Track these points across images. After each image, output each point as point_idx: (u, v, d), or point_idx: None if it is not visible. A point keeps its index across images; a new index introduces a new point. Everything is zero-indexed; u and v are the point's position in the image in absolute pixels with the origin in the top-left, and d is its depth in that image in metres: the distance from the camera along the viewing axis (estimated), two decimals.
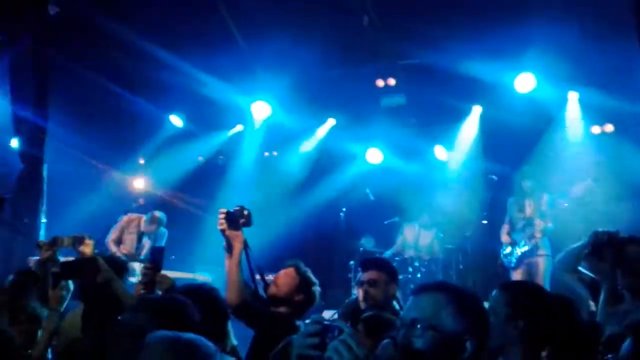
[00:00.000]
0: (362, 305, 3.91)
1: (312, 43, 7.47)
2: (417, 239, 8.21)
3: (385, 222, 8.94)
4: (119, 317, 2.44)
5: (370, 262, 4.14)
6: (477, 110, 8.74)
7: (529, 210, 7.29)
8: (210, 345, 1.98)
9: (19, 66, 6.88)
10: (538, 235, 7.13)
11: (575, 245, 3.85)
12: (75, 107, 7.19)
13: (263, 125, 9.40)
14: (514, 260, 7.25)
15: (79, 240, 3.97)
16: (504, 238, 7.40)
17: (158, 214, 7.23)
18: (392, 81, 8.62)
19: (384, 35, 7.76)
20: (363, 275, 4.00)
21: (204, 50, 7.50)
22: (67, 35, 6.85)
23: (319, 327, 1.64)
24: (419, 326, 1.73)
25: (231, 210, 3.79)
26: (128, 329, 2.27)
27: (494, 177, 7.49)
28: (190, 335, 2.00)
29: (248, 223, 3.83)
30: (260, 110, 9.11)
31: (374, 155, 9.42)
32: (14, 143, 7.06)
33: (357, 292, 5.37)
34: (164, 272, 3.48)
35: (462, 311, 1.76)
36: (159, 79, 7.38)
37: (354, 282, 6.56)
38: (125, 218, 7.34)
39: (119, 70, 7.26)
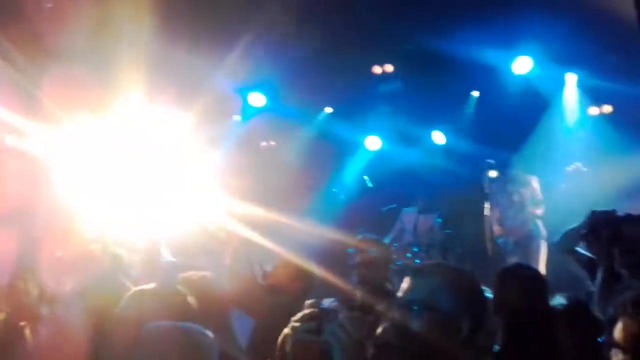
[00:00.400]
0: (358, 288, 3.91)
1: (307, 31, 7.42)
2: (415, 224, 8.20)
3: (384, 209, 8.94)
4: (116, 310, 2.45)
5: (365, 244, 4.15)
6: (475, 94, 8.72)
7: (518, 197, 7.26)
8: (208, 334, 1.98)
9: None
10: (530, 221, 7.12)
11: (572, 226, 3.87)
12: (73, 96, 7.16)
13: (259, 115, 9.38)
14: (509, 246, 7.24)
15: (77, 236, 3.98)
16: (496, 229, 7.37)
17: None
18: (389, 67, 8.58)
19: (380, 21, 7.71)
20: (358, 258, 4.02)
21: (198, 40, 7.46)
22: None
23: (316, 311, 1.65)
24: (415, 308, 1.73)
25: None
26: (124, 320, 2.27)
27: (491, 161, 7.48)
28: (187, 325, 2.01)
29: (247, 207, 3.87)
30: (256, 100, 9.09)
31: (372, 142, 9.41)
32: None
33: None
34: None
35: (458, 292, 1.76)
36: (152, 68, 7.32)
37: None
38: None
39: (113, 58, 7.19)
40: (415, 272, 1.84)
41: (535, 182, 7.26)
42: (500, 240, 7.37)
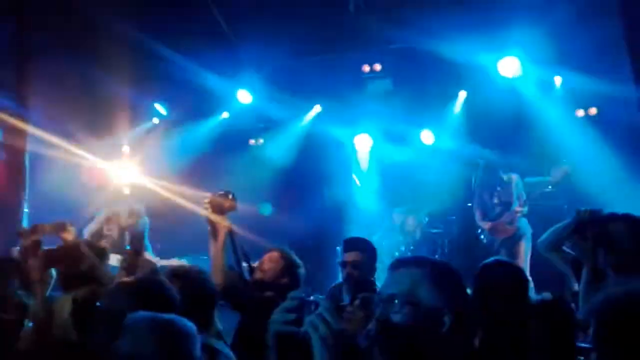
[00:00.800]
0: (344, 286, 3.93)
1: (297, 29, 7.42)
2: (403, 223, 8.23)
3: (373, 208, 8.96)
4: (98, 303, 2.44)
5: (352, 243, 4.16)
6: (462, 94, 8.75)
7: (503, 197, 7.29)
8: (190, 325, 1.98)
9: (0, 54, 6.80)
10: (516, 220, 7.15)
11: (559, 225, 3.89)
12: (56, 93, 7.10)
13: (248, 113, 9.37)
14: (496, 246, 7.26)
15: (60, 228, 3.94)
16: (484, 225, 7.39)
17: (136, 206, 7.12)
18: (378, 66, 8.60)
19: (369, 20, 7.72)
20: (346, 256, 4.02)
21: (187, 36, 7.44)
22: (49, 19, 6.73)
23: (296, 303, 1.65)
24: (396, 301, 1.73)
25: (216, 195, 3.81)
26: (107, 313, 2.26)
27: (479, 160, 7.52)
28: (169, 316, 2.00)
29: (233, 208, 3.85)
30: (245, 98, 9.09)
31: (362, 141, 9.42)
32: None
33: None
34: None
35: (439, 285, 1.76)
36: (141, 65, 7.30)
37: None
38: (104, 216, 7.19)
39: (101, 56, 7.16)
40: (396, 266, 1.84)
41: (519, 181, 7.30)
42: (486, 240, 7.40)
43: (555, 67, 7.86)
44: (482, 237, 7.42)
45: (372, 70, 8.66)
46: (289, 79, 8.65)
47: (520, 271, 2.94)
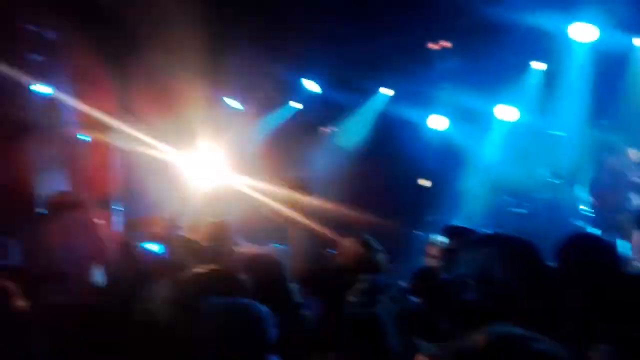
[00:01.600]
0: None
1: (359, 10, 7.35)
2: None
3: (455, 190, 8.80)
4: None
5: (459, 231, 4.04)
6: (538, 66, 8.38)
7: (615, 165, 6.98)
8: (263, 309, 2.05)
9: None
10: (628, 190, 6.81)
11: None
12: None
13: (319, 102, 9.41)
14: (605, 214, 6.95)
15: (153, 222, 4.16)
16: (594, 200, 7.09)
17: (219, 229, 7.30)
18: (446, 44, 8.39)
19: None
20: (451, 244, 3.88)
21: (255, 30, 7.54)
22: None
23: (368, 285, 1.67)
24: (470, 281, 1.71)
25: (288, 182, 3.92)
26: (184, 300, 2.37)
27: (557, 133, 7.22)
28: (243, 300, 2.09)
29: (308, 193, 3.93)
30: (313, 86, 9.14)
31: (437, 122, 9.25)
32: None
33: (428, 261, 5.33)
34: None
35: (513, 262, 1.72)
36: (215, 60, 7.46)
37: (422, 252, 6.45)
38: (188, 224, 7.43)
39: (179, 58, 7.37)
40: (467, 245, 1.82)
41: (633, 153, 6.97)
42: (589, 211, 7.12)
43: (636, 29, 7.37)
44: (585, 209, 7.16)
45: (440, 48, 8.46)
46: (356, 63, 8.59)
47: (605, 243, 2.79)
